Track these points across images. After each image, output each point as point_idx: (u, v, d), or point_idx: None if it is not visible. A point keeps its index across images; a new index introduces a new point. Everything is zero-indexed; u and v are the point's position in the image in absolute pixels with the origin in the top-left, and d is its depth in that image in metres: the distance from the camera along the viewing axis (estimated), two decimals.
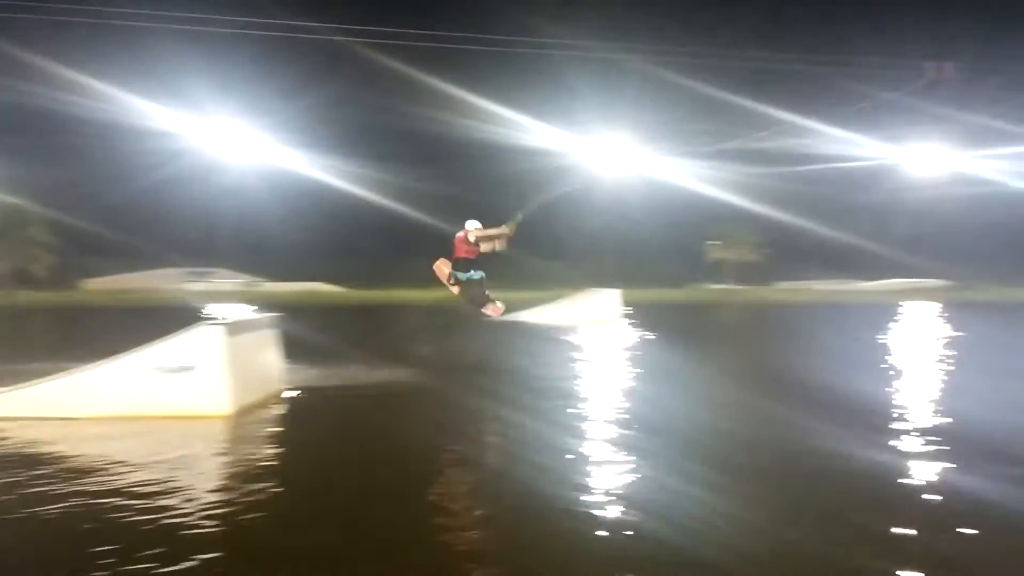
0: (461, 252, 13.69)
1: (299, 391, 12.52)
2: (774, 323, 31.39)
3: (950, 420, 10.52)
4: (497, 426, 10.38)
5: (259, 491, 7.27)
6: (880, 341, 21.34)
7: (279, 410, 11.26)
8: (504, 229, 12.53)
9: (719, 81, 42.38)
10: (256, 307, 25.82)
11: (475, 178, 49.40)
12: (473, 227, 12.62)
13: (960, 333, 24.13)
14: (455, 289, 14.12)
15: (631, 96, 47.44)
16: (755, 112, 43.71)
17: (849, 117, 45.31)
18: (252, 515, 6.57)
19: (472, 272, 13.26)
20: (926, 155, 50.03)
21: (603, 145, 45.98)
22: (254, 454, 8.75)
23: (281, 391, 12.36)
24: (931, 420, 10.49)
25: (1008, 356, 18.56)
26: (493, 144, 41.12)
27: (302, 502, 7.10)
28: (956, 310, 32.91)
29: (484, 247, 11.50)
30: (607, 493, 7.19)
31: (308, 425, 10.59)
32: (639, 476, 7.75)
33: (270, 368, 12.57)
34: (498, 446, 9.40)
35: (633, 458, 8.42)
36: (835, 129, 43.50)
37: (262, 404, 11.39)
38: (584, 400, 12.02)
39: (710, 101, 45.10)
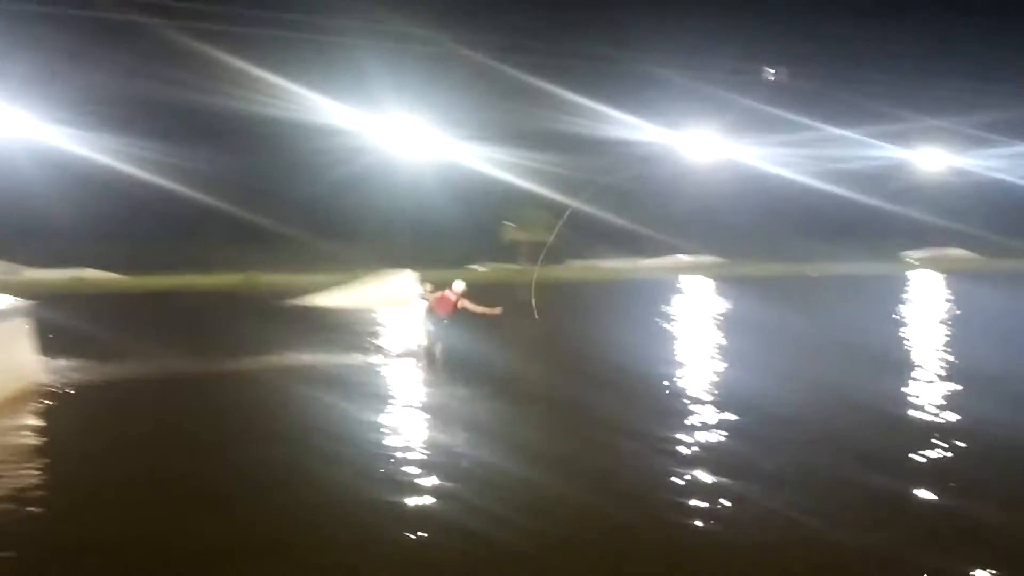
0: (445, 311, 13.59)
1: (60, 384, 11.35)
2: (567, 300, 32.45)
3: (733, 387, 11.24)
4: (286, 415, 9.89)
5: (22, 492, 6.48)
6: (664, 314, 22.55)
7: (35, 405, 10.14)
8: (495, 311, 12.75)
9: (516, 67, 43.15)
10: (16, 296, 23.26)
11: (263, 157, 47.20)
12: (459, 289, 12.69)
13: (732, 305, 26.05)
14: (427, 329, 14.07)
15: (428, 79, 47.16)
16: (552, 98, 45.00)
17: (632, 105, 47.79)
18: (18, 522, 5.82)
19: (440, 330, 13.18)
20: (702, 141, 53.80)
21: (398, 126, 45.46)
22: (9, 453, 7.79)
23: (38, 385, 11.16)
24: (715, 388, 11.14)
25: (772, 325, 20.24)
26: (282, 122, 39.45)
27: (72, 500, 6.41)
28: (728, 284, 35.56)
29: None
30: (401, 478, 7.00)
31: (69, 420, 9.60)
32: (438, 460, 7.62)
33: (23, 361, 11.29)
34: (286, 436, 8.92)
35: (433, 440, 8.29)
36: (621, 114, 45.70)
37: (15, 400, 10.22)
38: (381, 382, 11.76)
39: (507, 87, 45.82)
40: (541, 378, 12.56)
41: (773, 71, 47.24)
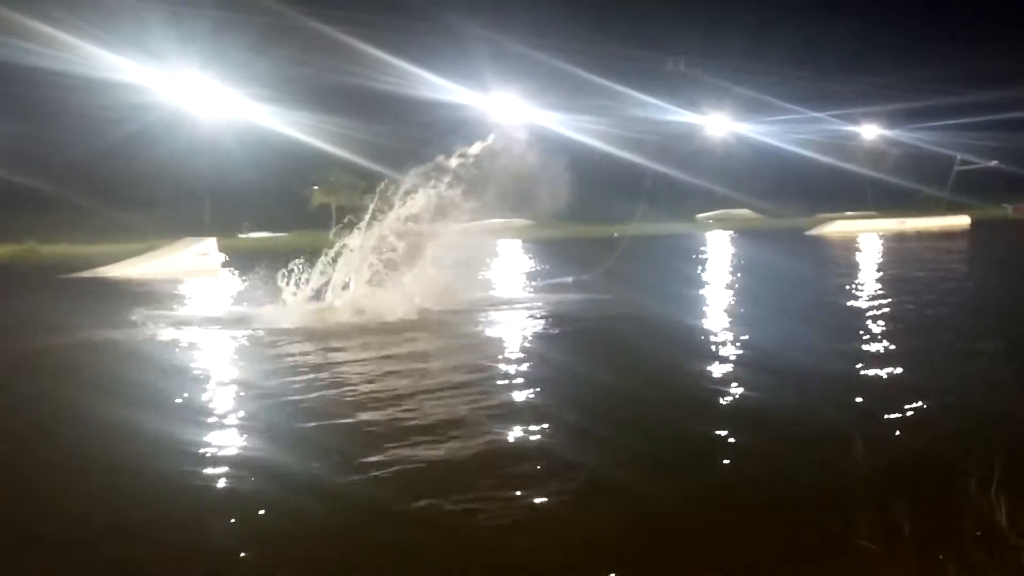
0: None
1: None
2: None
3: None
4: (84, 400, 9.02)
5: None
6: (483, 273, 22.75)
7: None
8: None
9: (323, 22, 41.58)
10: None
11: (36, 115, 42.83)
12: None
13: (544, 265, 26.79)
14: None
15: (222, 34, 44.47)
16: (360, 57, 43.75)
17: (440, 66, 47.47)
18: None
19: None
20: (509, 105, 54.50)
21: (191, 84, 42.41)
22: None
23: None
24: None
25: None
26: (57, 74, 35.81)
27: None
28: (538, 245, 36.52)
29: None
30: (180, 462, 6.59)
31: None
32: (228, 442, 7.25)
33: None
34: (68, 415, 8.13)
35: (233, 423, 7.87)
36: (431, 76, 45.22)
37: None
38: (190, 359, 11.02)
39: (311, 44, 44.06)
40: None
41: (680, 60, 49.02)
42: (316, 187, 48.90)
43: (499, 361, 10.29)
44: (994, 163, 62.31)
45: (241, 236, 39.05)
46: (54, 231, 36.78)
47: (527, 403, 8.26)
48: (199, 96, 45.21)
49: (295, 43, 44.39)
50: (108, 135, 43.40)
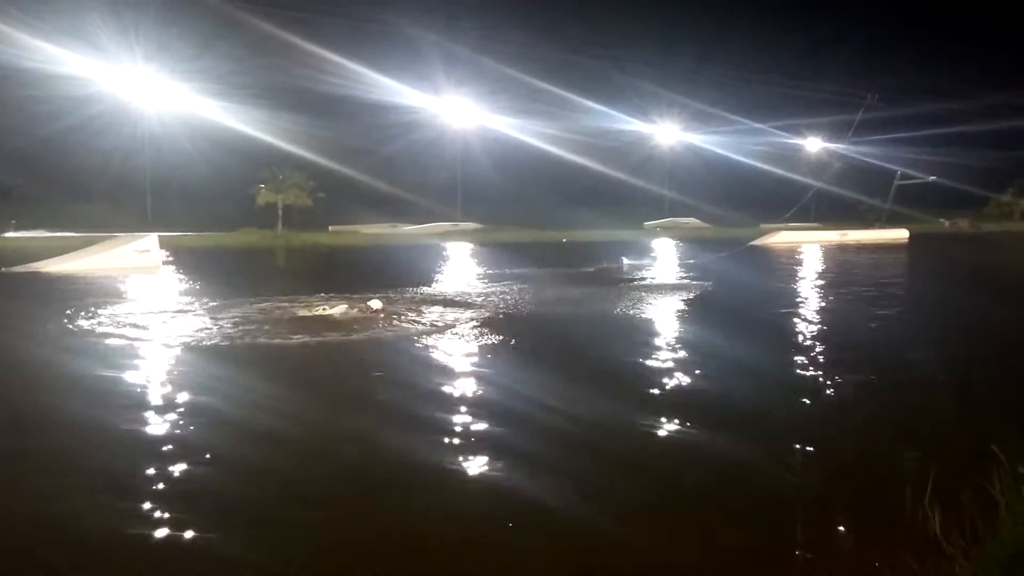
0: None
1: None
2: (324, 264, 31.69)
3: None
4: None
5: None
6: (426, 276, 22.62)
7: None
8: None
9: (268, 20, 41.05)
10: None
11: None
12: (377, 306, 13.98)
13: (491, 270, 26.74)
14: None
15: (166, 30, 43.59)
16: (308, 56, 43.26)
17: (391, 67, 47.18)
18: None
19: None
20: (460, 109, 54.48)
21: (134, 77, 41.29)
22: None
23: None
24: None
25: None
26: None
27: None
28: (487, 249, 36.43)
29: None
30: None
31: None
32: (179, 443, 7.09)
33: None
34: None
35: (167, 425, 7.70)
36: (381, 77, 44.89)
37: None
38: (129, 359, 10.74)
39: (261, 42, 43.43)
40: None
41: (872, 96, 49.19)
42: (263, 185, 47.99)
43: None
44: (932, 178, 63.94)
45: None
46: None
47: None
48: (143, 89, 44.21)
49: (244, 40, 43.84)
50: (46, 128, 42.20)
